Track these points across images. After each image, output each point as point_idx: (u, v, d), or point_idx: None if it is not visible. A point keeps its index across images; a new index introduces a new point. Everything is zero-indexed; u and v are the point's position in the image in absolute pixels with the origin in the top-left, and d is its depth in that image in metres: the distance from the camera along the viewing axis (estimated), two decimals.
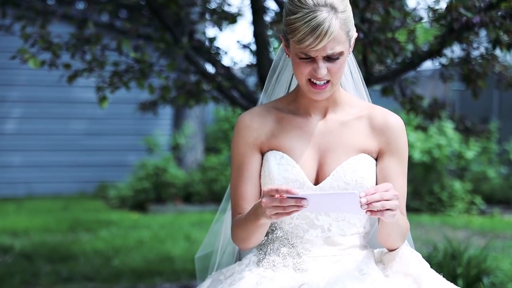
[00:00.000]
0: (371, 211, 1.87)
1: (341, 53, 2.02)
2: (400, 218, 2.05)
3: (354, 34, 2.08)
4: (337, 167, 2.11)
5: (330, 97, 2.15)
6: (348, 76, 2.31)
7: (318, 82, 2.05)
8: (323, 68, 2.02)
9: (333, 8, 1.98)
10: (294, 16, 1.98)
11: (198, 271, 2.55)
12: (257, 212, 2.00)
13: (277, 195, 1.87)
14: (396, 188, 2.11)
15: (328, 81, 2.06)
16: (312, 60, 2.03)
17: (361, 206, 1.85)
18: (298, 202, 1.85)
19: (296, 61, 2.05)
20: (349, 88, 2.31)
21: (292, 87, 2.33)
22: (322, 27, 1.95)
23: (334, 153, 2.14)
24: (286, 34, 2.05)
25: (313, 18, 1.96)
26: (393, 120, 2.17)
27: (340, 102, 2.19)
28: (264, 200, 1.89)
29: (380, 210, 1.87)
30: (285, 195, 1.86)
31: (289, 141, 2.15)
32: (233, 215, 2.21)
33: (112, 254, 6.19)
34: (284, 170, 2.11)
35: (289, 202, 1.86)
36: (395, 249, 2.14)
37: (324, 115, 2.18)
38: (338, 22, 1.98)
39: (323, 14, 1.96)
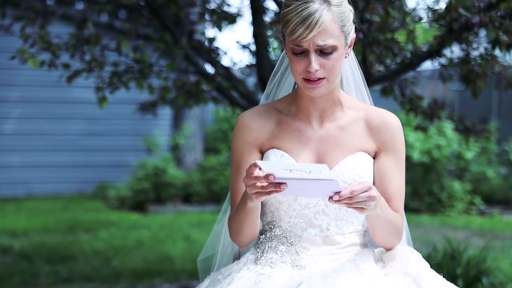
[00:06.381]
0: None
1: (334, 47, 2.03)
2: (387, 213, 2.07)
3: (352, 33, 2.09)
4: (335, 166, 2.12)
5: (328, 98, 2.15)
6: (350, 77, 2.31)
7: (312, 78, 2.05)
8: (315, 62, 2.03)
9: (326, 1, 2.02)
10: (288, 9, 2.02)
11: (200, 273, 2.55)
12: (245, 195, 2.04)
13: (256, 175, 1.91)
14: (393, 186, 2.13)
15: (323, 78, 2.06)
16: (306, 54, 2.03)
17: (330, 197, 1.89)
18: (277, 186, 1.89)
19: (291, 57, 2.07)
20: (350, 89, 2.31)
21: None
22: (313, 17, 1.99)
23: (332, 154, 2.15)
24: (282, 30, 2.08)
25: (305, 9, 2.00)
26: (389, 119, 2.18)
27: (339, 104, 2.19)
28: (244, 178, 1.93)
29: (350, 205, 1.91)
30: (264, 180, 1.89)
31: (288, 142, 2.17)
32: (230, 211, 2.24)
33: (111, 255, 6.19)
34: None
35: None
36: (390, 249, 2.16)
37: (323, 118, 2.18)
38: (330, 14, 2.01)
39: (315, 6, 2.00)
